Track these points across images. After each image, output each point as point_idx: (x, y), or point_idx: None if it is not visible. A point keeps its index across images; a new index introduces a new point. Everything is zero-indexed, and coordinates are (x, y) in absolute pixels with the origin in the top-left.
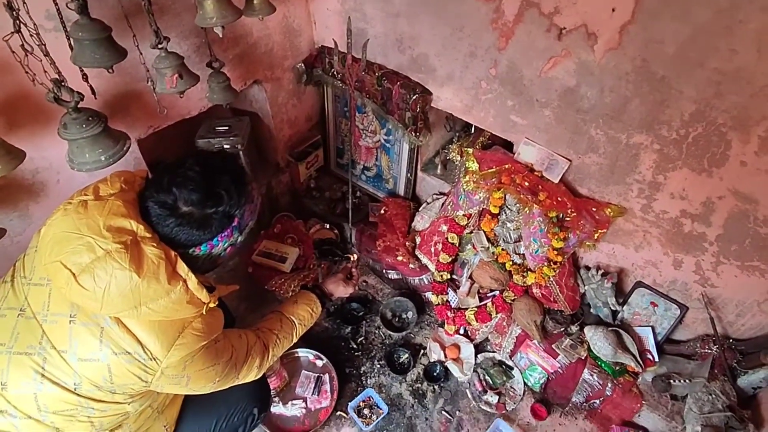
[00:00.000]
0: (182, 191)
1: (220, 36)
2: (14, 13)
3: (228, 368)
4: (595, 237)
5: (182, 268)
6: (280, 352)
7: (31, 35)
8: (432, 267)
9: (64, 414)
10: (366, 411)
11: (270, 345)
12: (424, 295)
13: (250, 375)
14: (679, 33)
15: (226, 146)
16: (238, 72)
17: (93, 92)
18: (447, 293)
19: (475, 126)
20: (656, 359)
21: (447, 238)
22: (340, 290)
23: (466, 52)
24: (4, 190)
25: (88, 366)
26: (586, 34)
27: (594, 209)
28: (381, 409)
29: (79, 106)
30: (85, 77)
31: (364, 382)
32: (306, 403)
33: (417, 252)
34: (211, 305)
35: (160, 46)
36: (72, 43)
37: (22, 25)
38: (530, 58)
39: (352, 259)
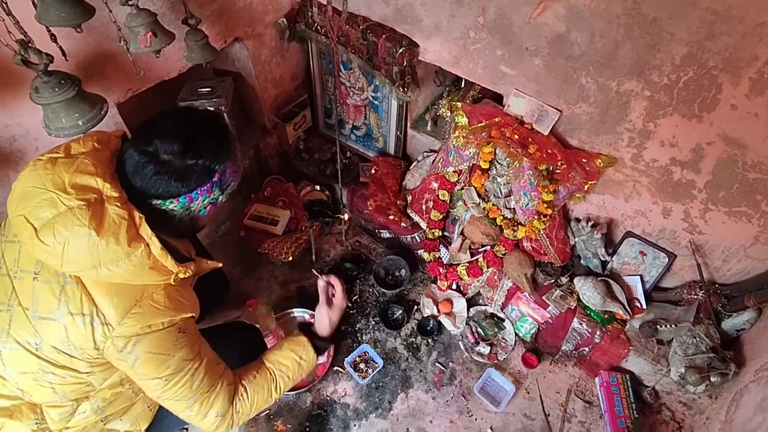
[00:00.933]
0: (163, 141)
1: None
2: None
3: (182, 375)
4: (585, 188)
5: (145, 230)
6: (248, 411)
7: None
8: (424, 225)
9: (27, 376)
10: (362, 365)
11: (236, 397)
12: (417, 253)
13: (201, 415)
14: None
15: (209, 108)
16: (216, 29)
17: (63, 54)
18: (439, 250)
19: (465, 79)
20: (644, 306)
21: (438, 196)
22: (325, 317)
23: None
24: None
25: (47, 325)
26: None
27: (584, 160)
28: (376, 363)
29: (49, 68)
30: (53, 38)
31: (359, 338)
32: None
33: (408, 210)
34: (181, 275)
35: (130, 2)
36: (35, 1)
37: None
38: (519, 3)
39: (343, 219)
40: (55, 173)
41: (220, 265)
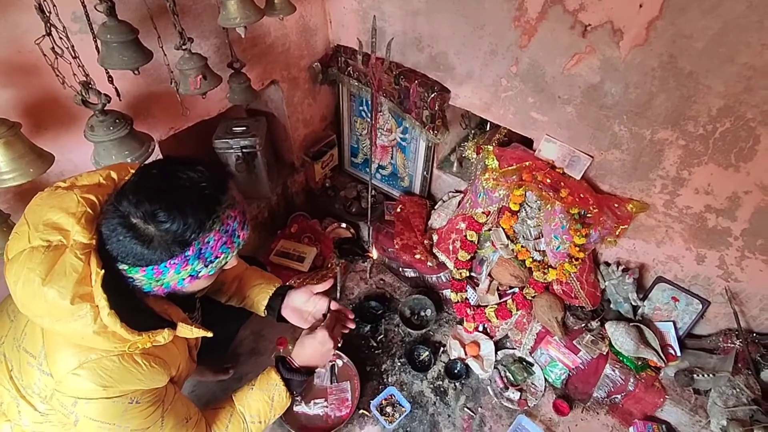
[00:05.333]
0: (133, 198)
1: (243, 36)
2: (45, 15)
3: None
4: (617, 233)
5: (98, 291)
6: None
7: (60, 38)
8: (450, 265)
9: (4, 390)
10: (388, 409)
11: None
12: (442, 293)
13: None
14: (708, 28)
15: (244, 145)
16: (255, 72)
17: (118, 94)
18: (466, 290)
19: (491, 123)
20: (678, 354)
21: (466, 236)
22: (308, 345)
23: (487, 50)
24: (29, 194)
25: (15, 351)
26: (612, 31)
27: (616, 205)
28: (403, 407)
29: (105, 108)
30: (110, 79)
31: (385, 380)
32: (326, 401)
33: (435, 250)
34: (142, 345)
35: (184, 47)
36: (99, 46)
37: (52, 28)
38: (553, 55)
39: (372, 257)
40: (43, 205)
41: (210, 334)
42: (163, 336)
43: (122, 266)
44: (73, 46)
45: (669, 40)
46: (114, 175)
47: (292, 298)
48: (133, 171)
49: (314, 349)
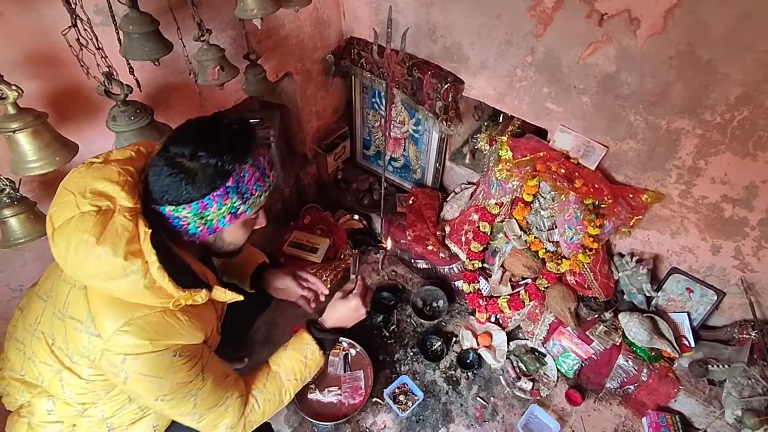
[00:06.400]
0: (179, 139)
1: (260, 28)
2: (71, 7)
3: (181, 396)
4: (631, 224)
5: (148, 247)
6: (260, 419)
7: (84, 29)
8: (463, 256)
9: (45, 366)
10: (401, 397)
11: (246, 408)
12: (454, 284)
13: (210, 427)
14: (727, 16)
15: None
16: (270, 64)
17: (138, 85)
18: (478, 281)
19: (503, 114)
20: (692, 345)
21: (478, 227)
22: (338, 308)
23: (502, 40)
24: (53, 183)
25: (57, 323)
26: (629, 20)
27: (630, 195)
28: (416, 395)
29: (126, 98)
30: (131, 70)
31: (398, 369)
32: (340, 389)
33: (447, 241)
34: (184, 302)
35: (202, 38)
36: (121, 37)
37: (78, 19)
38: (569, 44)
39: (386, 247)
40: (83, 177)
41: (241, 298)
42: (201, 296)
43: (169, 207)
44: (96, 38)
45: (687, 29)
46: (143, 149)
47: (273, 281)
48: (158, 147)
49: (347, 314)
